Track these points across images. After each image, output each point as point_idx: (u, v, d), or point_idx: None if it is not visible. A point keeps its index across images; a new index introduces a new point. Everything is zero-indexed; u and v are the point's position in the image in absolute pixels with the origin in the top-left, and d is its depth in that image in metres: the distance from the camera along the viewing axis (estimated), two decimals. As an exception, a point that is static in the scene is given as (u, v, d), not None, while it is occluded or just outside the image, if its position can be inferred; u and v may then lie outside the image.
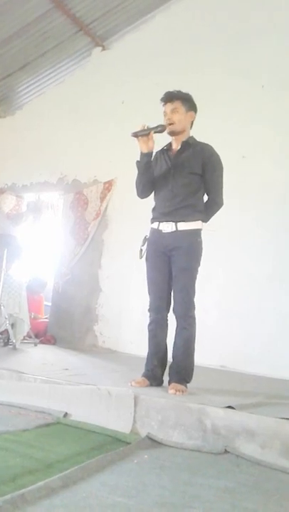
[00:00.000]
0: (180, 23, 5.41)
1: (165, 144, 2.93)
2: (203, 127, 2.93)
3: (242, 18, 5.00)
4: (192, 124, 2.90)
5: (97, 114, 5.84)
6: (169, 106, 2.79)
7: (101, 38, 5.91)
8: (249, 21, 4.95)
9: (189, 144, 2.83)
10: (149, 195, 2.92)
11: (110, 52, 6.01)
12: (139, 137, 2.73)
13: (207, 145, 2.87)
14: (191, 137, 2.88)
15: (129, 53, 5.76)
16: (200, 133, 2.91)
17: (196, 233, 2.78)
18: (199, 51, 5.18)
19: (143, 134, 2.71)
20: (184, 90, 2.84)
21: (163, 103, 2.82)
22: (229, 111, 4.84)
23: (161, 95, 2.82)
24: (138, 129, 2.72)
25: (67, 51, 5.97)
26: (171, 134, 2.83)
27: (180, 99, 2.80)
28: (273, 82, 4.72)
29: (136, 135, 2.72)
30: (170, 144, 2.91)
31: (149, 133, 2.71)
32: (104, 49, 6.03)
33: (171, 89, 2.83)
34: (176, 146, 2.86)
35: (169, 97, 2.80)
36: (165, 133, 2.80)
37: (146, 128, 2.72)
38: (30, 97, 6.68)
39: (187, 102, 2.82)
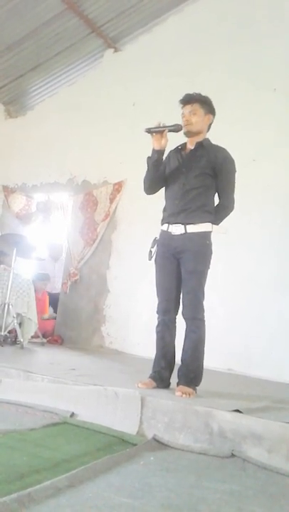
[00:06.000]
0: (192, 25, 5.42)
1: (179, 144, 2.92)
2: (214, 129, 2.93)
3: (255, 20, 5.00)
4: (210, 126, 2.89)
5: (108, 116, 5.86)
6: (188, 108, 2.79)
7: (113, 40, 5.94)
8: (262, 24, 4.94)
9: (203, 146, 2.82)
10: (155, 193, 2.93)
11: (122, 53, 6.04)
12: (153, 134, 2.72)
13: (222, 148, 2.85)
14: (207, 139, 2.87)
15: (141, 55, 5.78)
16: (210, 135, 2.91)
17: (205, 236, 2.76)
18: (211, 53, 5.18)
19: (157, 131, 2.71)
20: (196, 92, 2.84)
21: (182, 105, 2.82)
22: (241, 113, 4.84)
23: (180, 97, 2.82)
24: (153, 125, 2.72)
25: (79, 52, 6.00)
26: (187, 134, 2.82)
27: (198, 101, 2.79)
28: (286, 85, 4.70)
29: (149, 131, 2.72)
30: (185, 144, 2.90)
31: (163, 131, 2.71)
32: (116, 51, 6.06)
33: (191, 92, 2.83)
34: (190, 146, 2.86)
35: (188, 99, 2.80)
36: (182, 133, 2.79)
37: (161, 125, 2.72)
38: (42, 97, 6.72)
39: (206, 104, 2.81)
